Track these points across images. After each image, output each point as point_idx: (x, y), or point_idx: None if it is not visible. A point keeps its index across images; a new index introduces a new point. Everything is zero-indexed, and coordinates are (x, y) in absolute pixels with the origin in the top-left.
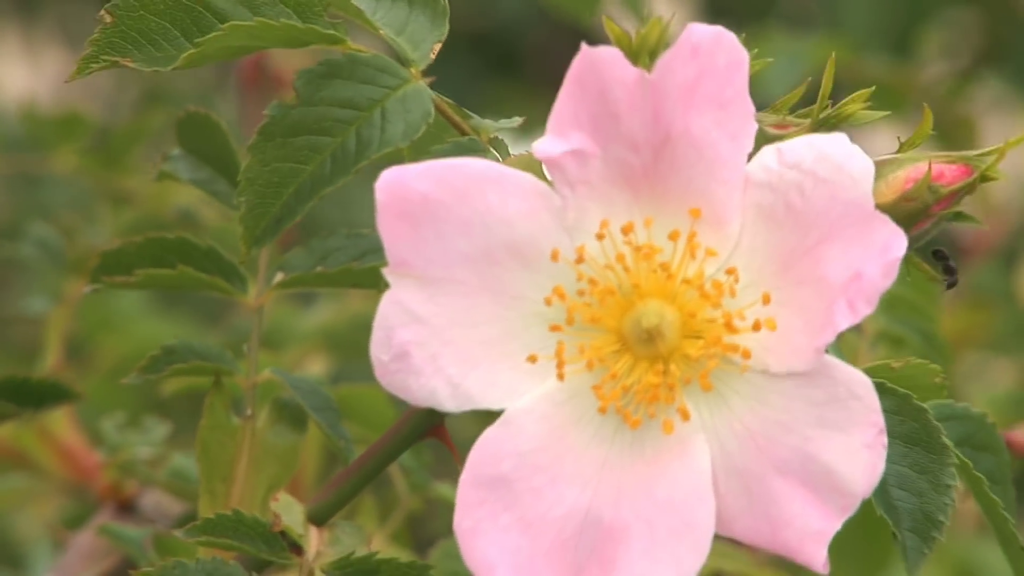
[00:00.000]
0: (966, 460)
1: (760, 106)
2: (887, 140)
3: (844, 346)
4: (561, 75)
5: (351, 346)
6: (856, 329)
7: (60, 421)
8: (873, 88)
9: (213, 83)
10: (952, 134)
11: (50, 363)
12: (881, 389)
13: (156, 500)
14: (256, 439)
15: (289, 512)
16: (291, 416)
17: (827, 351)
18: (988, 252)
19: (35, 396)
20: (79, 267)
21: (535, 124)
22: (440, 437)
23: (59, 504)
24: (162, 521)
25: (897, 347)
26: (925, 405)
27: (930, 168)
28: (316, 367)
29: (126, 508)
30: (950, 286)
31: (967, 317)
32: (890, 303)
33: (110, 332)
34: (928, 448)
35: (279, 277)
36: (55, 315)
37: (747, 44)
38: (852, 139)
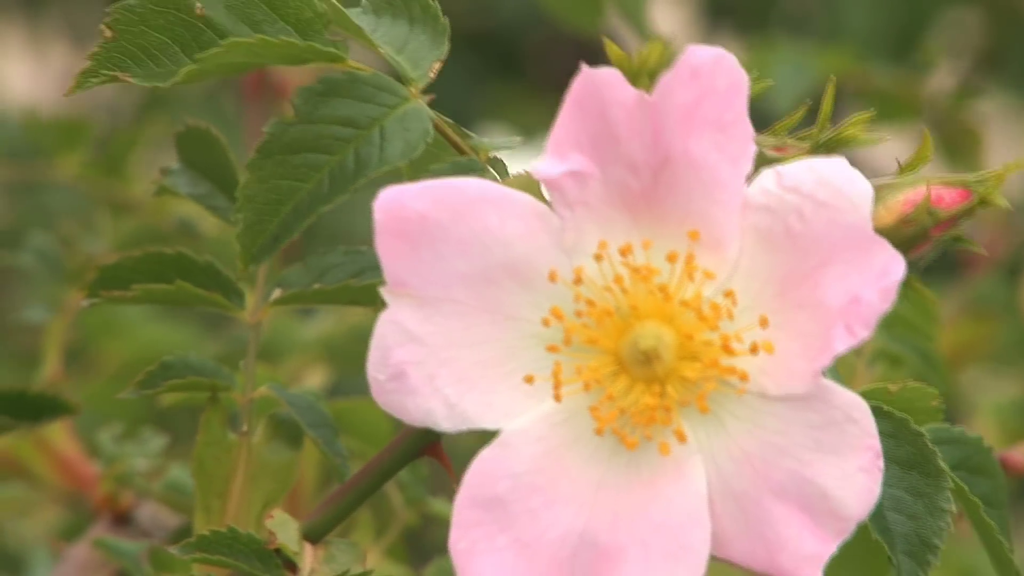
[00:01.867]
0: (962, 484)
1: (765, 114)
2: (894, 148)
3: (841, 365)
4: (562, 76)
5: (350, 357)
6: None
7: (57, 431)
8: (873, 111)
9: (217, 87)
10: (957, 144)
11: (48, 373)
12: (878, 412)
13: (153, 512)
14: (252, 455)
15: (284, 529)
16: (287, 432)
17: (824, 374)
18: (992, 264)
19: (32, 409)
20: (77, 277)
21: (536, 126)
22: (436, 455)
23: (60, 514)
24: (158, 534)
25: (895, 366)
26: (922, 429)
27: (929, 192)
28: (315, 378)
29: (122, 520)
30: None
31: (970, 330)
32: (888, 322)
33: (113, 338)
34: (924, 472)
35: (277, 293)
36: (53, 324)
37: (750, 53)
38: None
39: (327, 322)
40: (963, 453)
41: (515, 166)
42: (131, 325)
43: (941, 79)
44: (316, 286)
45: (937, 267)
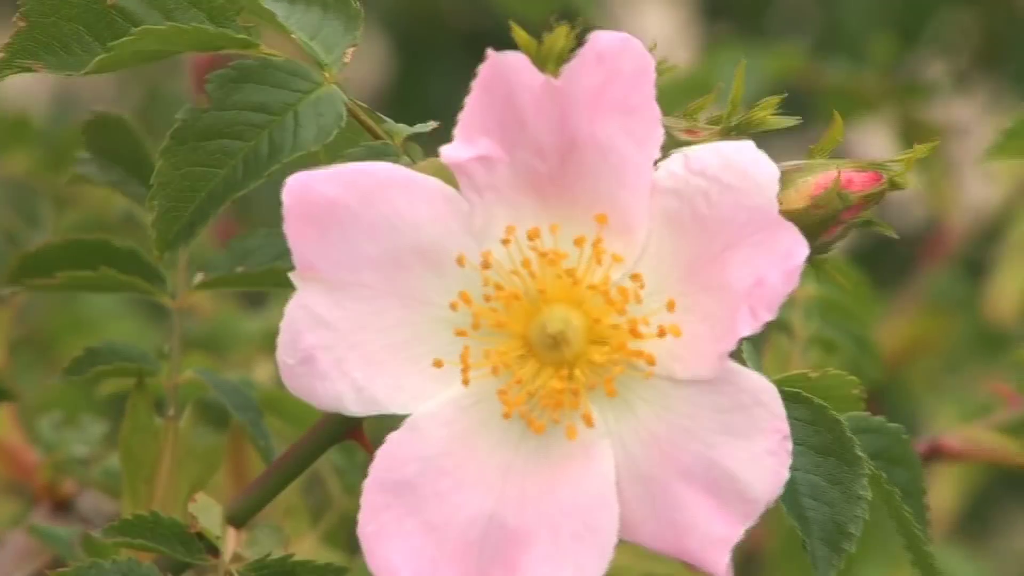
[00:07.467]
0: (879, 473)
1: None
2: (854, 145)
3: (775, 350)
4: None
5: None
6: (788, 333)
7: (1, 420)
8: (784, 95)
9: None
10: (915, 139)
11: None
12: (796, 398)
13: (94, 499)
14: (179, 440)
15: (207, 514)
16: (213, 416)
17: (738, 356)
18: (947, 258)
19: None
20: None
21: None
22: (357, 439)
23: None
24: (99, 521)
25: (829, 352)
26: (841, 416)
27: (839, 175)
28: (264, 369)
29: (63, 507)
30: None
31: (925, 324)
32: (824, 308)
33: (80, 333)
34: (841, 459)
35: (200, 277)
36: None
37: (703, 53)
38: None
39: (276, 312)
40: (882, 443)
41: None
42: (98, 320)
43: (901, 75)
44: (239, 269)
45: (893, 260)
